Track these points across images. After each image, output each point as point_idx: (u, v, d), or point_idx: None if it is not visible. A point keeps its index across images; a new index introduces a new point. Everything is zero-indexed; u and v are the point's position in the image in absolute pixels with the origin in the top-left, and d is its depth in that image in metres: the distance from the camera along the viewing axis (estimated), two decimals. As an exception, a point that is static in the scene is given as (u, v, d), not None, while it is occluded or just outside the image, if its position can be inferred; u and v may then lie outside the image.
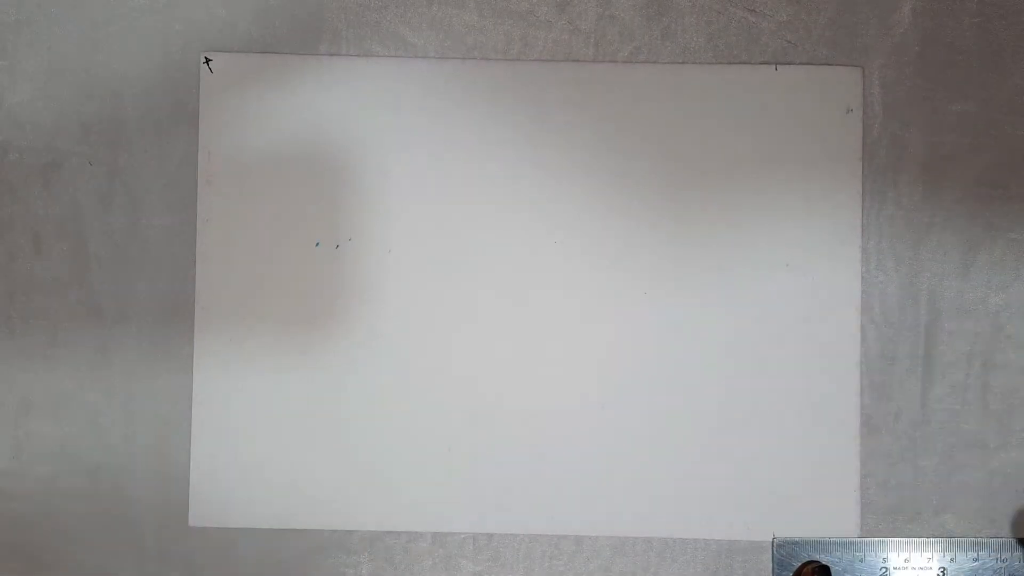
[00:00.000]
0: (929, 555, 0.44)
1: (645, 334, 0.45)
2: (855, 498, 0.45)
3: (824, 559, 0.44)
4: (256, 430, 0.45)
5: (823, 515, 0.45)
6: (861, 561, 0.44)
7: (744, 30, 0.46)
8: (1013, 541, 0.44)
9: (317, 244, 0.45)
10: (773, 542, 0.44)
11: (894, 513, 0.45)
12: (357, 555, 0.45)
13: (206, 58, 0.45)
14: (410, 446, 0.45)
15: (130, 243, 0.46)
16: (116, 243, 0.46)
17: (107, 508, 0.45)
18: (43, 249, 0.46)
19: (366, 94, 0.46)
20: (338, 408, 0.45)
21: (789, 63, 0.45)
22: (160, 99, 0.46)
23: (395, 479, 0.45)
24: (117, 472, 0.45)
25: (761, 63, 0.46)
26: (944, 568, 0.44)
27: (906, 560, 0.44)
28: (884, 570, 0.44)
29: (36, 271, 0.46)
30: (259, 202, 0.45)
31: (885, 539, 0.44)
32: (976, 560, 0.44)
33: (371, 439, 0.45)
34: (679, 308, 0.45)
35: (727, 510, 0.45)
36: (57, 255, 0.46)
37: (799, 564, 0.43)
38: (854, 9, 0.46)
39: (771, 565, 0.45)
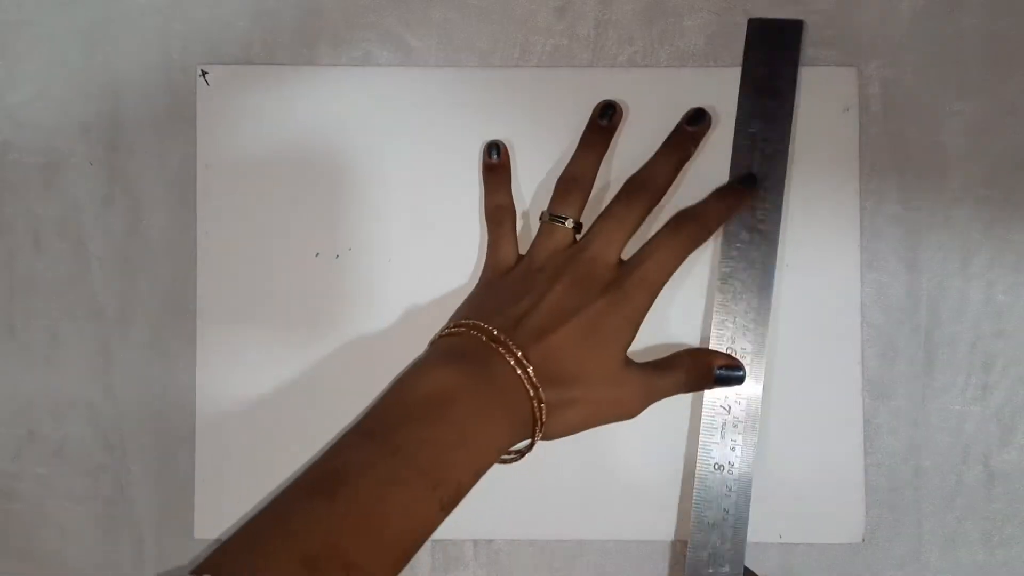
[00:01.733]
0: None
1: (646, 334, 0.45)
2: (859, 497, 0.45)
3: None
4: (259, 441, 0.45)
5: (827, 514, 0.45)
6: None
7: (742, 32, 0.46)
8: None
9: (317, 255, 0.45)
10: None
11: (898, 513, 0.45)
12: (356, 556, 0.45)
13: (202, 71, 0.46)
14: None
15: (130, 243, 0.46)
16: (116, 243, 0.46)
17: (108, 509, 0.46)
18: (43, 249, 0.46)
19: (365, 103, 0.46)
20: (341, 418, 0.45)
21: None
22: (160, 99, 0.46)
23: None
24: (118, 473, 0.46)
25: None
26: None
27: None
28: None
29: (36, 271, 0.46)
30: (258, 214, 0.45)
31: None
32: None
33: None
34: (680, 308, 0.45)
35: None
36: (57, 255, 0.46)
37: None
38: (853, 10, 0.46)
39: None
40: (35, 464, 0.46)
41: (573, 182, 0.44)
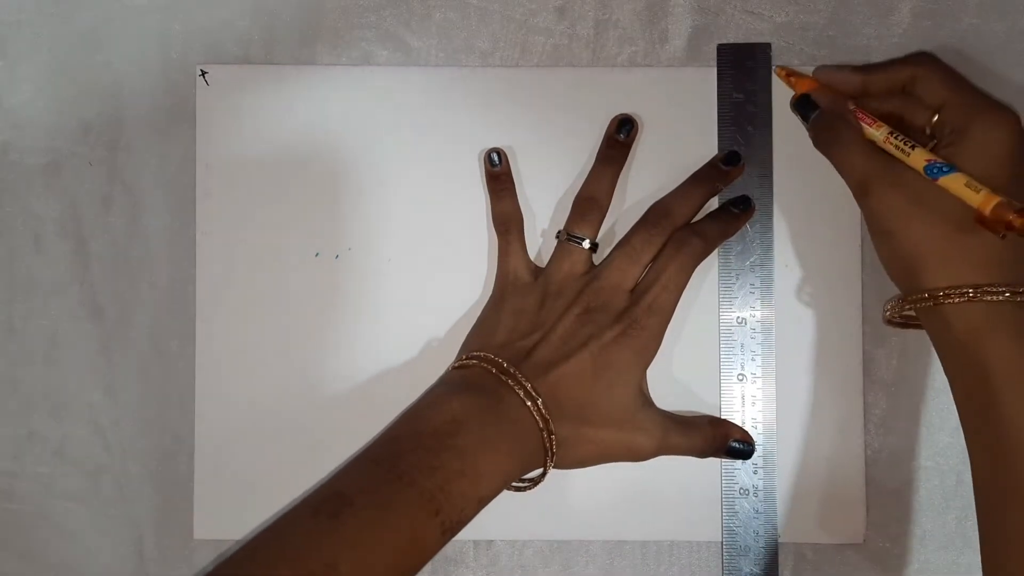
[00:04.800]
0: None
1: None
2: (860, 497, 0.45)
3: None
4: (259, 441, 0.45)
5: (828, 514, 0.45)
6: None
7: (742, 32, 0.46)
8: None
9: (317, 254, 0.45)
10: None
11: (898, 513, 0.45)
12: (356, 556, 0.45)
13: (202, 71, 0.45)
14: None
15: (130, 243, 0.46)
16: (116, 243, 0.46)
17: (108, 509, 0.46)
18: (43, 249, 0.46)
19: (365, 103, 0.46)
20: (341, 417, 0.45)
21: (786, 64, 0.45)
22: (160, 99, 0.46)
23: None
24: (118, 473, 0.46)
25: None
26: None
27: None
28: None
29: (37, 271, 0.46)
30: (258, 213, 0.45)
31: None
32: None
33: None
34: (678, 309, 0.45)
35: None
36: (57, 255, 0.46)
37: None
38: (853, 10, 0.46)
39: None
40: (35, 464, 0.46)
41: (590, 201, 0.44)
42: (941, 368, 0.45)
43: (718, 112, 0.45)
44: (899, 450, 0.45)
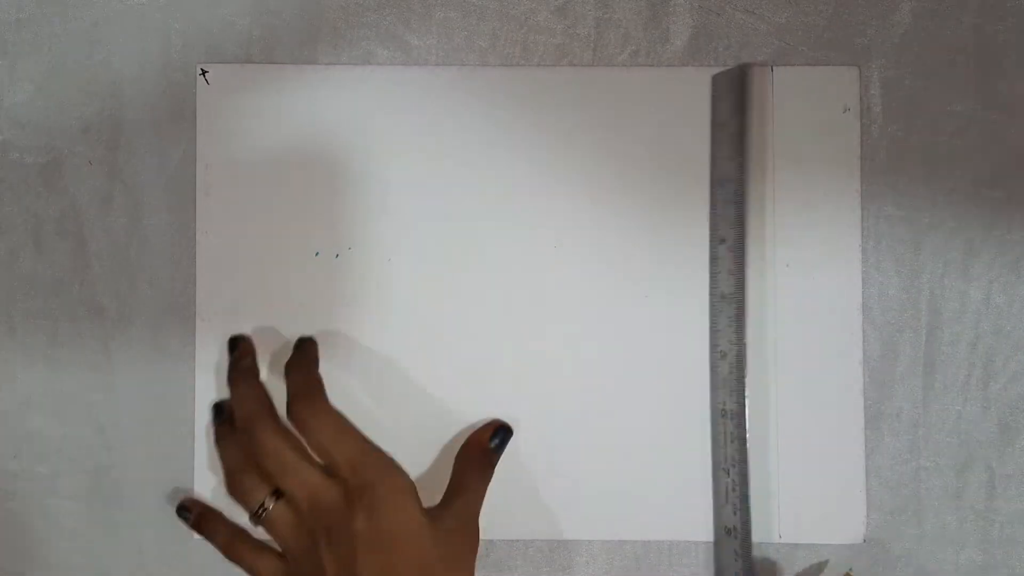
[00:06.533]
0: None
1: (646, 337, 0.45)
2: (861, 498, 0.45)
3: None
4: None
5: (828, 515, 0.45)
6: None
7: (742, 32, 0.46)
8: None
9: (317, 254, 0.45)
10: None
11: (898, 513, 0.45)
12: (356, 556, 0.45)
13: (202, 70, 0.45)
14: (411, 454, 0.45)
15: (130, 243, 0.46)
16: (116, 243, 0.46)
17: (108, 509, 0.46)
18: (43, 249, 0.46)
19: (365, 102, 0.46)
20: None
21: (786, 64, 0.45)
22: (160, 98, 0.46)
23: (394, 480, 0.45)
24: (118, 473, 0.46)
25: (758, 64, 0.46)
26: None
27: None
28: None
29: (37, 271, 0.46)
30: (258, 213, 0.45)
31: None
32: None
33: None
34: (680, 310, 0.45)
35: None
36: (57, 255, 0.46)
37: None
38: (853, 10, 0.46)
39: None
40: (35, 464, 0.46)
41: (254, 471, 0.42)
42: (941, 368, 0.45)
43: (711, 121, 0.45)
44: (899, 450, 0.45)
